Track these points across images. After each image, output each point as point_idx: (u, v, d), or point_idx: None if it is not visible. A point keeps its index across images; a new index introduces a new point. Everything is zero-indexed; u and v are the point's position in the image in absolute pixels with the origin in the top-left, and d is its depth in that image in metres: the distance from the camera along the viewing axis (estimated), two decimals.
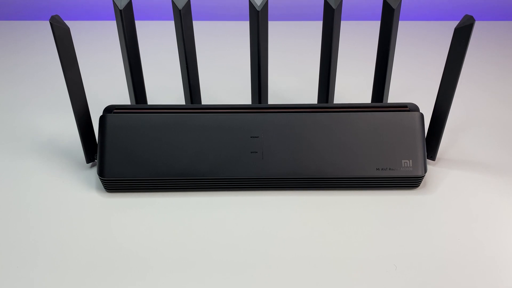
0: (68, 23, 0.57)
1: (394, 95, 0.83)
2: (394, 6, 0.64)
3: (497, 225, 0.57)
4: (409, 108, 0.63)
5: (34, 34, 1.15)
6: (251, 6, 0.63)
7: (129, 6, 0.65)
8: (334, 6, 0.64)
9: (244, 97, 0.86)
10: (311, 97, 0.84)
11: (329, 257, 0.53)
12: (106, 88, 0.89)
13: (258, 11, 0.63)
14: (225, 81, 0.92)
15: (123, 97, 0.83)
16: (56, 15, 0.55)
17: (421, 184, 0.63)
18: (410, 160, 0.60)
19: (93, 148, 0.66)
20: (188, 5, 0.64)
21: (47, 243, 0.55)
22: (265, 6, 0.63)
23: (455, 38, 0.57)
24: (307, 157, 0.61)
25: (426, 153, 0.61)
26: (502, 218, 0.58)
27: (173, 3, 0.64)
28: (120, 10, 0.64)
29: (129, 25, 0.66)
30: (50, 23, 0.54)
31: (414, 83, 0.91)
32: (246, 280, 0.51)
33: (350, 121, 0.62)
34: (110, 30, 1.14)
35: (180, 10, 0.63)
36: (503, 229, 0.57)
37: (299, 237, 0.56)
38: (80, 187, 0.63)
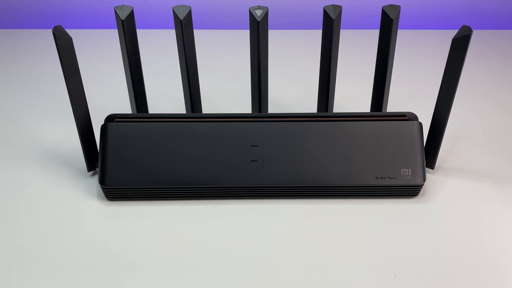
0: (69, 31, 0.58)
1: (393, 104, 0.83)
2: (392, 16, 0.65)
3: (496, 234, 0.57)
4: (408, 117, 0.63)
5: (35, 42, 1.16)
6: (251, 16, 0.64)
7: (131, 16, 0.66)
8: (333, 17, 0.64)
9: (244, 105, 0.86)
10: (310, 106, 0.85)
11: (328, 266, 0.53)
12: (108, 96, 0.89)
13: (258, 21, 0.63)
14: (225, 90, 0.93)
15: (124, 106, 0.84)
16: (59, 25, 0.56)
17: (420, 192, 0.63)
18: (409, 169, 0.61)
19: (94, 156, 0.66)
20: (189, 15, 0.65)
21: (48, 251, 0.55)
22: (265, 16, 0.63)
23: (452, 48, 0.57)
24: (307, 166, 0.61)
25: (425, 161, 0.62)
26: (501, 226, 0.59)
27: (174, 13, 0.64)
28: (122, 20, 0.65)
29: (131, 34, 0.67)
30: (53, 33, 0.55)
31: (413, 92, 0.91)
32: None
33: (350, 130, 0.62)
34: (111, 38, 1.14)
35: (181, 20, 0.64)
36: (502, 237, 0.57)
37: (298, 245, 0.56)
38: (81, 195, 0.64)
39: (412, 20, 1.26)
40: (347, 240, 0.57)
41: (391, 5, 0.66)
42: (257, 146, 0.62)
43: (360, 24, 1.25)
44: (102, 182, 0.61)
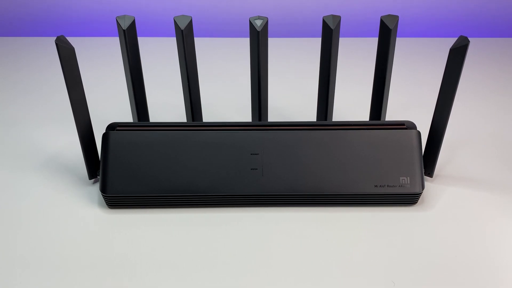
0: (70, 39, 0.58)
1: (392, 113, 0.84)
2: (391, 26, 0.66)
3: (494, 242, 0.58)
4: (406, 126, 0.64)
5: (36, 50, 1.16)
6: (251, 26, 0.64)
7: (132, 25, 0.66)
8: (332, 27, 0.65)
9: (244, 114, 0.87)
10: (310, 114, 0.85)
11: (327, 273, 0.54)
12: (109, 105, 0.90)
13: (258, 32, 0.64)
14: (226, 99, 0.94)
15: (125, 114, 0.84)
16: (62, 35, 0.57)
17: (418, 200, 0.64)
18: (408, 177, 0.61)
19: (96, 164, 0.67)
20: (190, 25, 0.66)
21: (49, 259, 0.55)
22: (265, 26, 0.64)
23: (450, 58, 0.58)
24: (306, 174, 0.61)
25: (423, 170, 0.62)
26: (499, 234, 0.59)
27: (175, 23, 0.65)
28: (124, 30, 0.65)
29: (132, 44, 0.68)
30: (56, 43, 0.55)
31: (411, 100, 0.92)
32: None
33: (349, 138, 0.63)
34: (112, 46, 1.15)
35: (182, 30, 0.65)
36: (500, 245, 0.57)
37: (297, 253, 0.56)
38: (83, 203, 0.64)
39: (411, 28, 1.27)
40: (346, 248, 0.57)
41: (389, 15, 0.66)
42: (257, 154, 0.62)
43: (358, 32, 1.26)
44: (103, 190, 0.61)
